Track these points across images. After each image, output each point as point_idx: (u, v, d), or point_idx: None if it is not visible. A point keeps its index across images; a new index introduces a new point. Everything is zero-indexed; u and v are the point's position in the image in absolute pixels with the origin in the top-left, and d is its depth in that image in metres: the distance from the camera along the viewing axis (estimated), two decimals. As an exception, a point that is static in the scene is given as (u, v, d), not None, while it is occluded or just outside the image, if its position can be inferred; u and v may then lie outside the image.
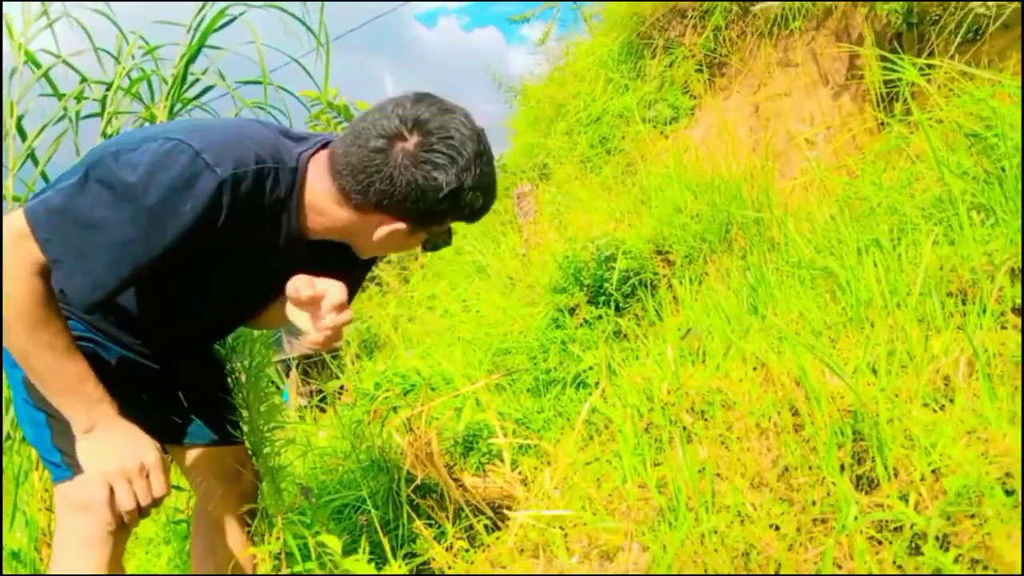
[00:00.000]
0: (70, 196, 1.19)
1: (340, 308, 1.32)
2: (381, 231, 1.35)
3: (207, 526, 1.83)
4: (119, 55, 2.92)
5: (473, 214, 1.38)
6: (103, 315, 1.51)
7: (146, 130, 1.32)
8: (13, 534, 2.45)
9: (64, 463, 1.41)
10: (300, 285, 1.31)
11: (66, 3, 2.91)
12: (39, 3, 2.84)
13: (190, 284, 1.43)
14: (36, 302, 1.20)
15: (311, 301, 1.32)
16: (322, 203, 1.36)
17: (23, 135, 2.79)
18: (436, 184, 1.27)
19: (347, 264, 1.52)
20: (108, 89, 2.82)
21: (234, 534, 1.82)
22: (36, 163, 2.77)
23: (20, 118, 2.79)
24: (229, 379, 1.97)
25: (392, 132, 1.26)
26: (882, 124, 3.06)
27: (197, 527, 1.86)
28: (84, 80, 2.84)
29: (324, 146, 1.38)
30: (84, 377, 1.28)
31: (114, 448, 1.30)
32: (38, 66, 2.79)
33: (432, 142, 1.26)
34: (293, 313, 1.38)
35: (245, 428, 1.98)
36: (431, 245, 1.46)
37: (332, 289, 1.32)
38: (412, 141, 1.27)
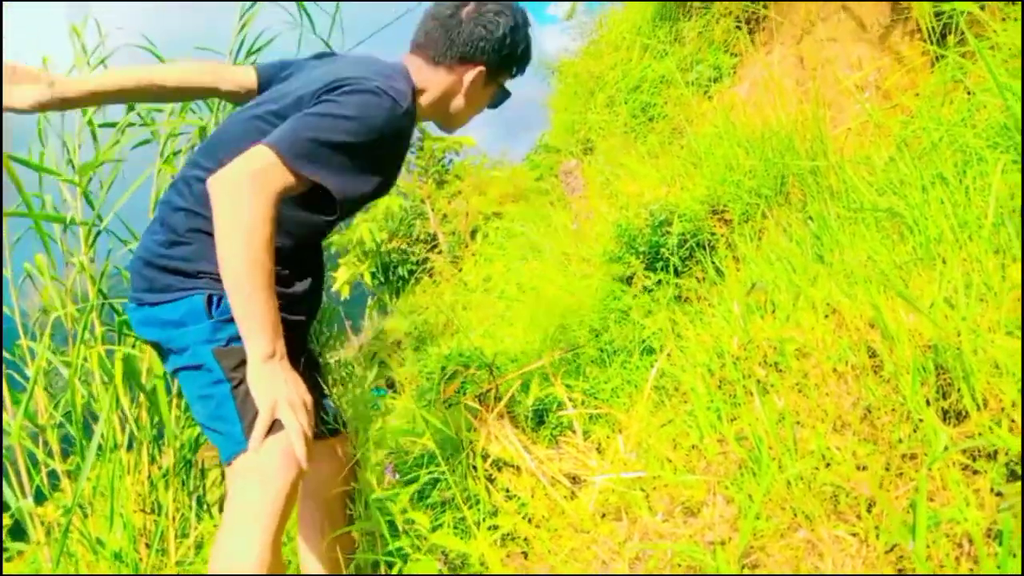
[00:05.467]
0: (308, 124, 1.45)
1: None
2: (468, 76, 1.73)
3: (316, 505, 1.91)
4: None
5: (525, 55, 1.80)
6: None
7: (331, 69, 1.63)
8: (113, 535, 2.56)
9: (244, 435, 1.47)
10: None
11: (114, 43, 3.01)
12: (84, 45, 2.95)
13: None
14: (271, 221, 1.39)
15: None
16: (422, 79, 1.72)
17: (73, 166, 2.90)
18: (499, 26, 1.70)
19: None
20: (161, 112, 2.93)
21: (340, 512, 1.89)
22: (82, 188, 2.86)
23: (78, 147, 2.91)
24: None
25: (455, 5, 1.71)
26: (935, 59, 2.96)
27: (305, 507, 1.93)
28: (131, 107, 2.92)
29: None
30: (277, 312, 1.43)
31: (285, 379, 1.43)
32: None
33: (486, 2, 1.72)
34: None
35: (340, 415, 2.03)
36: (497, 100, 1.86)
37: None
38: (470, 6, 1.71)
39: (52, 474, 2.63)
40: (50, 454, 2.59)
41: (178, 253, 1.56)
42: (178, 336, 1.55)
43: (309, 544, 1.90)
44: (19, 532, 2.59)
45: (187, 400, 1.84)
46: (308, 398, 1.45)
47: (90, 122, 2.88)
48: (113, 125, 2.86)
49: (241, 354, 1.45)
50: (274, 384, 1.41)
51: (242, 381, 1.46)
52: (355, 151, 1.48)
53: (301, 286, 1.68)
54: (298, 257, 1.66)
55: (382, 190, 1.67)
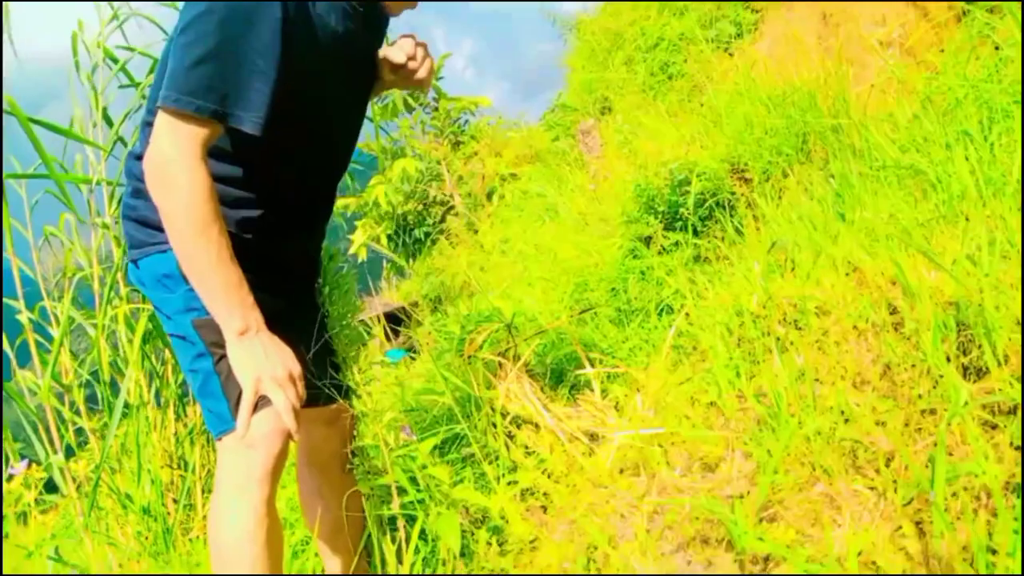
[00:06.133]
0: (184, 52, 1.29)
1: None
2: None
3: (312, 470, 1.91)
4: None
5: None
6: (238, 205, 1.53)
7: None
8: (142, 490, 2.63)
9: (231, 414, 1.44)
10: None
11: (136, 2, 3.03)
12: (111, 4, 2.97)
13: (296, 128, 1.50)
14: (206, 194, 1.30)
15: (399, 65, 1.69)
16: None
17: (109, 123, 2.94)
18: None
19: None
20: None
21: (338, 475, 1.89)
22: (125, 145, 2.91)
23: (105, 108, 2.95)
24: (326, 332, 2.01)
25: None
26: (962, 14, 2.90)
27: (302, 472, 1.93)
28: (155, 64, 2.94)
29: None
30: (241, 281, 1.36)
31: (266, 352, 1.37)
32: (116, 61, 2.92)
33: None
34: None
35: (342, 373, 2.04)
36: None
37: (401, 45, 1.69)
38: None
39: (79, 432, 2.69)
40: (77, 412, 2.65)
41: (144, 203, 1.50)
42: (161, 300, 1.53)
43: (312, 510, 1.89)
44: (51, 487, 2.66)
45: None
46: (296, 368, 1.40)
47: (128, 76, 2.91)
48: (137, 85, 2.87)
49: None
50: (254, 360, 1.36)
51: (224, 356, 1.42)
52: (237, 44, 1.30)
53: (275, 214, 1.56)
54: (269, 183, 1.55)
55: (303, 86, 1.47)
